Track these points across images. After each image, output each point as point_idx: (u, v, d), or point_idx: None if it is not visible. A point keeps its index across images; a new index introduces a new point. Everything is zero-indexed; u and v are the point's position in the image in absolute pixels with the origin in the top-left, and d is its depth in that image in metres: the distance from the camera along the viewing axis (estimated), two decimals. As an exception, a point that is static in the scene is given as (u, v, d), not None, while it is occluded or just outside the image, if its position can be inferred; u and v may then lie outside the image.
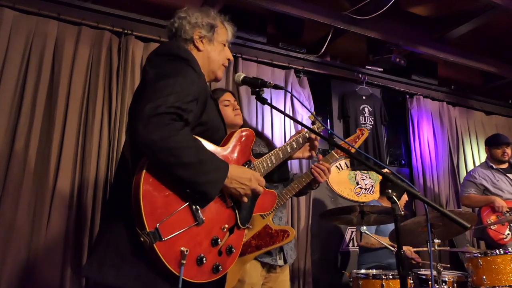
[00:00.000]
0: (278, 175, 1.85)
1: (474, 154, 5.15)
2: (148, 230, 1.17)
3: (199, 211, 1.30)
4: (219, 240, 1.36)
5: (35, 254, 2.67)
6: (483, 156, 5.10)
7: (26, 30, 2.94)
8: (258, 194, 1.50)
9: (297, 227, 3.73)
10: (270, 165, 1.71)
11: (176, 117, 1.23)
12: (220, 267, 1.35)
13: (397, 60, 4.30)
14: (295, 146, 1.86)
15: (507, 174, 3.92)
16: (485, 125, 5.40)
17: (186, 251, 1.23)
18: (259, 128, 3.76)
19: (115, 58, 3.22)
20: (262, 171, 1.65)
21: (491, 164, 3.99)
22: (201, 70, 1.47)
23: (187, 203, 1.29)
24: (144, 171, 1.22)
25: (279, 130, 3.86)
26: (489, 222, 3.71)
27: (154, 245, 1.17)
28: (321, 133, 1.66)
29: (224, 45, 1.67)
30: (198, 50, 1.61)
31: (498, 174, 3.93)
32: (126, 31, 3.31)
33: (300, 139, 1.89)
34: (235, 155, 1.55)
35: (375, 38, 4.09)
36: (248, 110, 3.73)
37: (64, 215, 2.80)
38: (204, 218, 1.31)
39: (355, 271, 2.98)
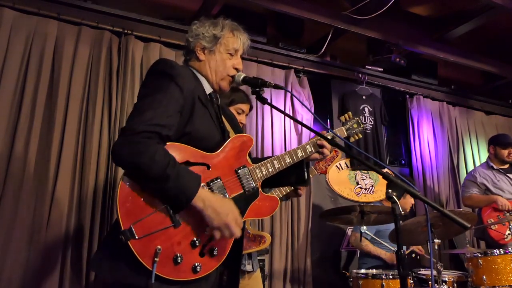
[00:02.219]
0: (295, 178, 1.81)
1: (474, 154, 5.15)
2: (123, 229, 1.29)
3: (176, 214, 1.38)
4: (197, 241, 1.40)
5: (35, 254, 2.67)
6: (483, 156, 5.10)
7: (26, 30, 2.94)
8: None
9: (297, 227, 3.73)
10: (271, 169, 1.66)
11: (151, 134, 1.34)
12: (198, 268, 1.39)
13: (397, 60, 4.30)
14: (309, 151, 1.76)
15: (508, 174, 3.92)
16: (485, 125, 5.40)
17: (159, 249, 1.32)
18: (259, 128, 3.76)
19: (115, 58, 3.22)
20: (259, 175, 1.62)
21: (492, 164, 3.99)
22: (188, 80, 1.51)
23: (164, 206, 1.37)
24: (123, 176, 1.36)
25: (279, 130, 3.86)
26: (489, 222, 3.71)
27: (129, 242, 1.29)
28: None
29: (232, 54, 1.68)
30: (199, 60, 1.66)
31: (499, 174, 3.93)
32: (126, 31, 3.31)
33: (310, 147, 1.78)
34: (228, 160, 1.55)
35: (375, 38, 4.09)
36: (248, 110, 3.72)
37: (64, 215, 2.80)
38: (180, 221, 1.38)
39: (355, 271, 2.98)
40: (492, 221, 3.71)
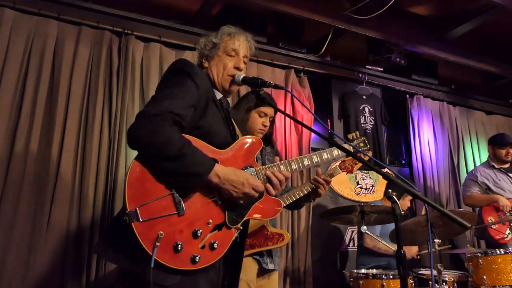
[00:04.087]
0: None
1: (474, 154, 5.14)
2: (128, 210, 1.32)
3: (182, 202, 1.40)
4: (199, 232, 1.42)
5: (35, 254, 2.67)
6: (484, 156, 5.10)
7: (26, 30, 2.95)
8: (254, 199, 1.55)
9: (297, 227, 3.73)
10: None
11: (166, 118, 1.39)
12: (197, 258, 1.40)
13: (398, 59, 4.30)
14: (316, 160, 1.85)
15: (509, 174, 3.92)
16: (485, 124, 5.40)
17: (161, 234, 1.34)
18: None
19: (115, 58, 3.23)
20: (263, 178, 1.64)
21: (493, 164, 3.99)
22: (204, 81, 1.59)
23: (170, 193, 1.40)
24: (134, 160, 1.40)
25: (279, 130, 3.86)
26: (490, 221, 3.71)
27: (132, 223, 1.32)
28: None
29: (231, 55, 1.72)
30: (203, 68, 1.77)
31: (500, 173, 3.93)
32: (126, 31, 3.31)
33: (315, 158, 1.87)
34: (235, 158, 1.59)
35: (375, 38, 4.09)
36: (248, 110, 3.72)
37: (65, 215, 2.80)
38: (185, 209, 1.41)
39: (355, 270, 2.98)
40: (493, 220, 3.70)
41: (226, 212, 1.52)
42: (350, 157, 2.32)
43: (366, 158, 2.02)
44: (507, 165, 3.98)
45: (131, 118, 3.15)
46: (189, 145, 1.41)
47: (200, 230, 1.42)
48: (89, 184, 2.91)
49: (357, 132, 2.15)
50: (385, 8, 3.50)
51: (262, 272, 2.29)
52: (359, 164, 2.31)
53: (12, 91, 2.81)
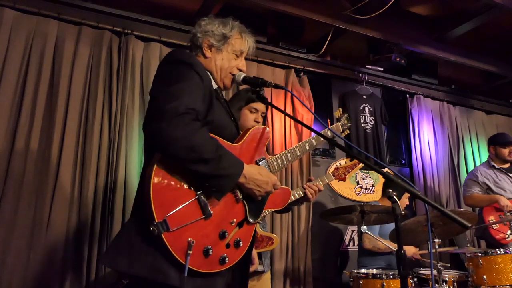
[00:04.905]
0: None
1: (474, 154, 5.14)
2: (156, 221, 1.26)
3: (208, 205, 1.37)
4: (226, 233, 1.42)
5: (35, 253, 2.67)
6: (484, 156, 5.10)
7: (26, 30, 2.94)
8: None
9: (297, 227, 3.73)
10: (285, 162, 1.80)
11: (193, 116, 1.32)
12: (226, 259, 1.40)
13: (398, 59, 4.30)
14: (314, 144, 1.97)
15: (509, 174, 3.91)
16: (485, 124, 5.40)
17: (193, 242, 1.30)
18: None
19: (115, 58, 3.22)
20: (276, 168, 1.72)
21: (493, 164, 3.98)
22: (205, 72, 1.53)
23: (196, 197, 1.36)
24: (155, 165, 1.30)
25: (279, 129, 3.86)
26: (490, 221, 3.70)
27: (162, 235, 1.26)
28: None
29: (238, 55, 1.70)
30: (205, 57, 1.67)
31: (500, 173, 3.92)
32: (126, 31, 3.31)
33: (314, 141, 1.98)
34: (249, 151, 1.60)
35: (375, 38, 4.09)
36: (249, 110, 3.72)
37: (65, 215, 2.80)
38: (212, 212, 1.38)
39: (355, 270, 2.97)
40: (493, 220, 3.70)
41: (247, 208, 1.53)
42: (343, 165, 2.35)
43: (343, 135, 2.21)
44: (507, 165, 3.97)
45: (131, 118, 3.15)
46: (221, 145, 1.39)
47: (226, 231, 1.42)
48: (89, 184, 2.91)
49: (340, 109, 2.21)
50: (385, 8, 3.50)
51: (252, 273, 2.29)
52: (352, 172, 2.35)
53: (12, 91, 2.81)
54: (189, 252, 1.28)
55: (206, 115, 1.47)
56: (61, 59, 3.02)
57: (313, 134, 1.93)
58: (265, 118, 2.46)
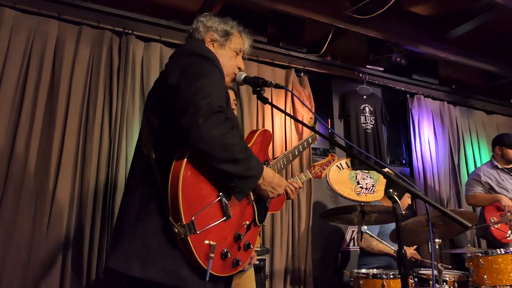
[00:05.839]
0: None
1: (475, 154, 5.14)
2: (184, 222, 1.20)
3: (228, 207, 1.35)
4: (241, 236, 1.40)
5: (35, 254, 2.67)
6: (484, 155, 5.10)
7: (26, 29, 2.94)
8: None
9: (298, 227, 3.73)
10: (282, 166, 1.83)
11: (225, 115, 1.30)
12: (240, 262, 1.40)
13: (398, 59, 4.29)
14: (301, 150, 2.01)
15: None
16: (486, 124, 5.40)
17: (215, 244, 1.25)
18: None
19: (115, 58, 3.22)
20: (276, 171, 1.74)
21: (496, 164, 3.98)
22: (221, 67, 1.50)
23: (219, 198, 1.33)
24: (185, 162, 1.24)
25: (279, 129, 3.86)
26: (492, 220, 3.71)
27: (188, 237, 1.20)
28: (322, 133, 1.71)
29: (237, 53, 1.70)
30: None
31: (503, 173, 3.93)
32: (126, 30, 3.31)
33: (305, 143, 2.03)
34: (258, 154, 1.61)
35: (375, 38, 4.09)
36: (249, 110, 3.73)
37: (65, 215, 2.80)
38: (231, 214, 1.36)
39: (355, 270, 2.97)
40: (495, 219, 3.70)
41: (256, 211, 1.54)
42: (319, 163, 2.36)
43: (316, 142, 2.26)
44: (510, 165, 3.98)
45: (132, 118, 3.15)
46: (248, 146, 1.38)
47: (241, 233, 1.41)
48: (90, 184, 2.91)
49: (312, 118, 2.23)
50: (385, 8, 3.50)
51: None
52: (328, 169, 2.36)
53: (13, 91, 2.81)
54: (211, 255, 1.23)
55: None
56: (61, 59, 3.02)
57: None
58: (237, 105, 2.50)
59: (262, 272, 3.05)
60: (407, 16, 4.25)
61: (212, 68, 1.40)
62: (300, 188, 2.23)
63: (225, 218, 1.33)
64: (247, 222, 1.47)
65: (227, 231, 1.34)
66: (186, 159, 1.25)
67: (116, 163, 3.02)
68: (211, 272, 1.26)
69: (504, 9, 3.66)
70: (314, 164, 2.37)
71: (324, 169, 2.32)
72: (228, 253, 1.32)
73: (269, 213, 2.34)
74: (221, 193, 1.34)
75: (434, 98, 5.02)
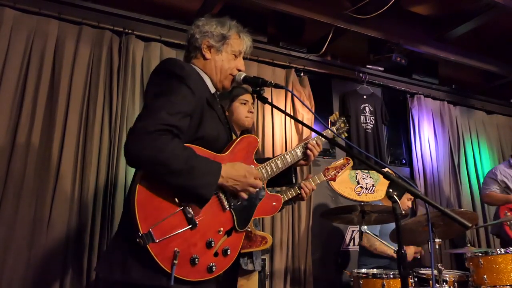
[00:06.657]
0: (284, 180, 1.99)
1: (475, 154, 5.14)
2: (142, 233, 1.29)
3: (193, 216, 1.39)
4: (213, 242, 1.43)
5: (36, 253, 2.67)
6: (484, 155, 5.11)
7: (26, 29, 2.94)
8: (257, 199, 1.59)
9: (298, 227, 3.73)
10: (275, 169, 1.76)
11: (165, 132, 1.32)
12: (214, 268, 1.42)
13: (398, 59, 4.29)
14: (303, 151, 1.95)
15: None
16: (486, 124, 5.39)
17: (178, 251, 1.33)
18: (260, 128, 3.76)
19: (115, 58, 3.22)
20: (265, 175, 1.71)
21: None
22: (198, 82, 1.52)
23: (181, 208, 1.38)
24: (139, 180, 1.34)
25: (279, 129, 3.86)
26: (506, 215, 3.74)
27: (148, 246, 1.29)
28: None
29: (236, 56, 1.69)
30: (204, 58, 1.65)
31: None
32: (126, 30, 3.31)
33: (305, 146, 1.98)
34: (237, 160, 1.58)
35: (376, 38, 4.09)
36: (249, 110, 3.72)
37: (65, 215, 2.80)
38: (197, 222, 1.40)
39: (356, 270, 2.97)
40: (508, 215, 3.73)
41: (234, 217, 1.53)
42: (333, 166, 2.35)
43: (344, 136, 2.23)
44: None
45: (132, 118, 3.15)
46: (194, 155, 1.38)
47: (213, 240, 1.44)
48: (90, 183, 2.91)
49: (337, 113, 2.24)
50: (385, 8, 3.50)
51: (242, 272, 2.30)
52: (342, 172, 2.36)
53: (13, 90, 2.81)
54: (174, 261, 1.31)
55: (196, 130, 1.47)
56: (61, 59, 3.02)
57: (313, 134, 1.93)
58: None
59: (262, 272, 3.05)
60: (407, 16, 4.25)
61: (177, 85, 1.42)
62: (313, 190, 2.24)
63: (190, 226, 1.38)
64: (222, 229, 1.48)
65: (196, 238, 1.40)
66: (140, 177, 1.34)
67: (116, 163, 3.02)
68: (180, 277, 1.33)
69: (504, 9, 3.66)
70: (329, 166, 2.36)
71: (339, 172, 2.31)
72: (197, 259, 1.37)
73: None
74: (184, 204, 1.38)
75: (434, 98, 5.02)
